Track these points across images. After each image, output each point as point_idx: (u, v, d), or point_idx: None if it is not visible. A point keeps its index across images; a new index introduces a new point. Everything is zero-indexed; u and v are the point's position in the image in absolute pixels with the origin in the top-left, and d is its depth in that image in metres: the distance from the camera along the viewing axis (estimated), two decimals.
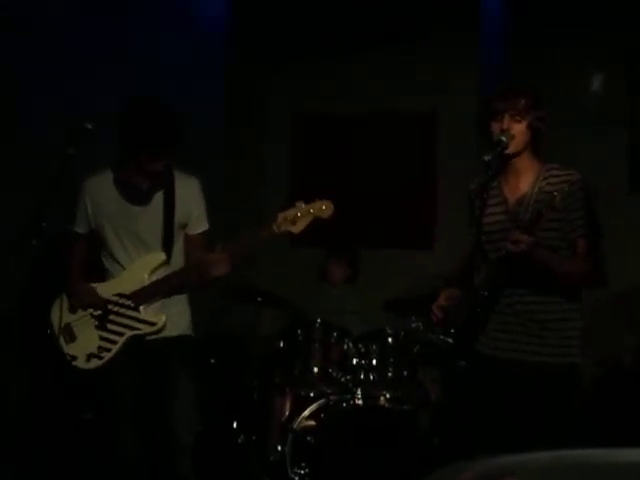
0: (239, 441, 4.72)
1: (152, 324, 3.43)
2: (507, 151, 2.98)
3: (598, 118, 5.34)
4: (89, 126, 3.16)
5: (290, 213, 3.33)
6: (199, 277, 3.40)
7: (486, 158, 2.96)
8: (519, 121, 2.98)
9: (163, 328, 3.44)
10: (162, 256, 3.44)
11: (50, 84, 4.19)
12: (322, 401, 4.42)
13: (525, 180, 3.06)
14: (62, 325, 3.44)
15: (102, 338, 3.42)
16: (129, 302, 3.42)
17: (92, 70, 4.39)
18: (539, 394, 2.99)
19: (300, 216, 3.32)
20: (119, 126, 3.32)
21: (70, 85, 4.26)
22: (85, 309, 3.46)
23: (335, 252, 5.24)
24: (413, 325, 4.55)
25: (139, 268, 3.44)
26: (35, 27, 4.15)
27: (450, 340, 3.05)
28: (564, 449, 1.46)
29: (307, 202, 3.35)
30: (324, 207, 3.34)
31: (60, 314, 3.45)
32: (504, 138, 2.96)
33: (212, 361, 4.88)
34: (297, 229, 3.33)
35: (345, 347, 4.52)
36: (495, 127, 2.99)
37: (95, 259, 3.55)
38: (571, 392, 3.04)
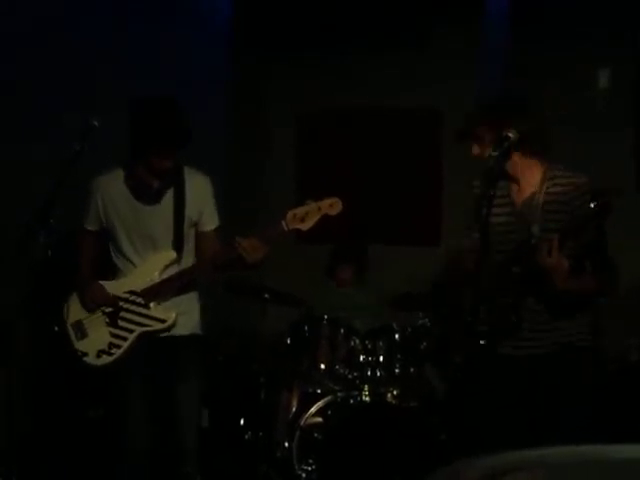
0: (246, 438, 4.73)
1: (162, 321, 3.45)
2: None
3: (604, 117, 5.32)
4: (95, 123, 3.18)
5: (300, 211, 3.34)
6: (216, 269, 3.42)
7: (493, 154, 2.96)
8: (482, 146, 3.01)
9: (173, 325, 3.46)
10: (173, 254, 3.47)
11: (51, 83, 4.19)
12: (329, 398, 4.43)
13: (528, 181, 3.05)
14: (73, 322, 3.48)
15: (113, 335, 3.44)
16: (140, 299, 3.45)
17: (92, 70, 4.39)
18: (552, 382, 3.00)
19: (309, 213, 3.34)
20: (130, 125, 3.32)
21: (70, 84, 4.26)
22: (97, 306, 3.47)
23: (344, 257, 5.22)
24: (420, 321, 4.55)
25: (150, 266, 3.47)
26: (36, 27, 4.17)
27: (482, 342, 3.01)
28: (578, 438, 1.46)
29: (315, 199, 3.37)
30: (332, 204, 3.35)
31: (72, 311, 3.49)
32: (510, 134, 2.95)
33: (219, 358, 4.88)
34: (306, 226, 3.35)
35: (352, 344, 4.51)
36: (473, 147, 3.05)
37: (105, 256, 3.56)
38: (585, 376, 3.05)
